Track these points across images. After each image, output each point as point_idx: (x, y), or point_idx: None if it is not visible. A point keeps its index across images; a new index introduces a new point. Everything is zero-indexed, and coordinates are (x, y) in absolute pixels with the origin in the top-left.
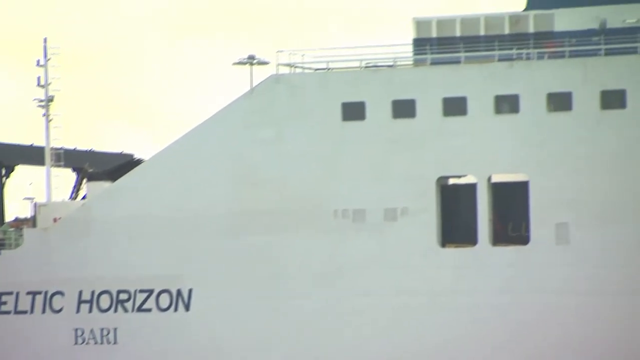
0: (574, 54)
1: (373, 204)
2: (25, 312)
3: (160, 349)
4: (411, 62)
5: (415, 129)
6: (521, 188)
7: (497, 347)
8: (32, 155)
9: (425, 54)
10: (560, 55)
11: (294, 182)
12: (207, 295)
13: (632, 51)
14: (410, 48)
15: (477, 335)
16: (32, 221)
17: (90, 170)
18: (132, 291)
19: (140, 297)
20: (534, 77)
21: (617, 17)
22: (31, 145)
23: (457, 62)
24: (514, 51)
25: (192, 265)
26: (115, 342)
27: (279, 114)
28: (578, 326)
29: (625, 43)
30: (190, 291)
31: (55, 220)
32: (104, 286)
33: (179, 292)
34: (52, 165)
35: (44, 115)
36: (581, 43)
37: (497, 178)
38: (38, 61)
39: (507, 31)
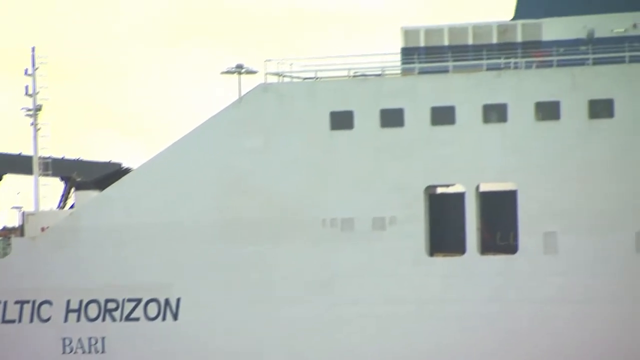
0: (562, 64)
1: (361, 213)
2: (13, 321)
3: (149, 358)
4: (399, 71)
5: (403, 138)
6: (509, 197)
7: (485, 356)
8: (20, 164)
9: (414, 63)
10: (548, 65)
11: (283, 191)
12: (195, 305)
13: (620, 60)
14: (398, 57)
15: (466, 344)
16: (20, 230)
17: (78, 179)
18: (120, 300)
19: (129, 306)
20: (522, 86)
21: (605, 26)
22: (19, 154)
23: (445, 71)
24: (502, 60)
25: (180, 274)
26: (103, 352)
27: (267, 123)
28: (567, 335)
29: (613, 52)
30: (178, 300)
31: (43, 229)
32: (92, 295)
33: (167, 301)
34: (40, 174)
35: (32, 124)
36: (569, 52)
37: (485, 187)
38: (26, 70)
39: (495, 40)
